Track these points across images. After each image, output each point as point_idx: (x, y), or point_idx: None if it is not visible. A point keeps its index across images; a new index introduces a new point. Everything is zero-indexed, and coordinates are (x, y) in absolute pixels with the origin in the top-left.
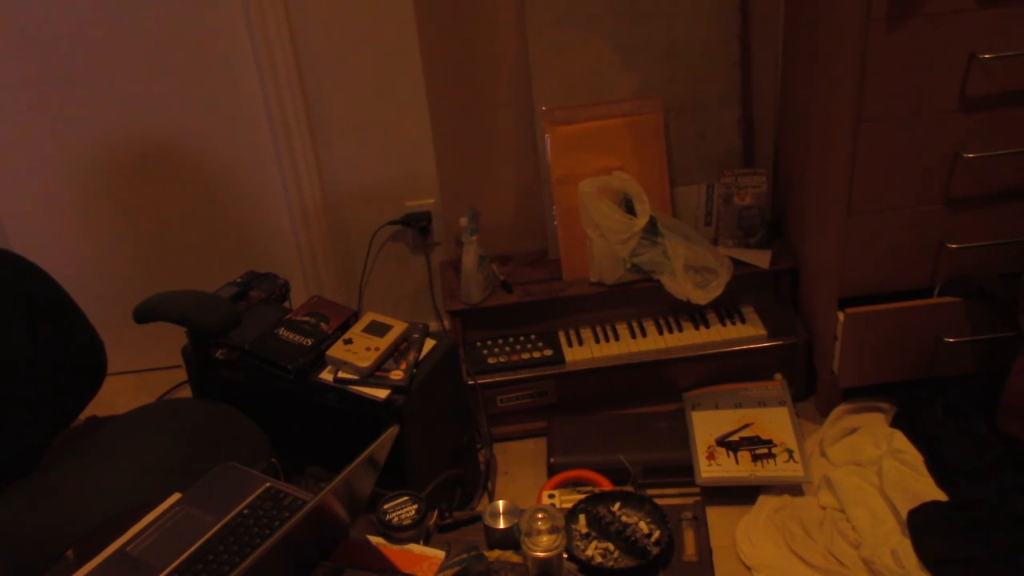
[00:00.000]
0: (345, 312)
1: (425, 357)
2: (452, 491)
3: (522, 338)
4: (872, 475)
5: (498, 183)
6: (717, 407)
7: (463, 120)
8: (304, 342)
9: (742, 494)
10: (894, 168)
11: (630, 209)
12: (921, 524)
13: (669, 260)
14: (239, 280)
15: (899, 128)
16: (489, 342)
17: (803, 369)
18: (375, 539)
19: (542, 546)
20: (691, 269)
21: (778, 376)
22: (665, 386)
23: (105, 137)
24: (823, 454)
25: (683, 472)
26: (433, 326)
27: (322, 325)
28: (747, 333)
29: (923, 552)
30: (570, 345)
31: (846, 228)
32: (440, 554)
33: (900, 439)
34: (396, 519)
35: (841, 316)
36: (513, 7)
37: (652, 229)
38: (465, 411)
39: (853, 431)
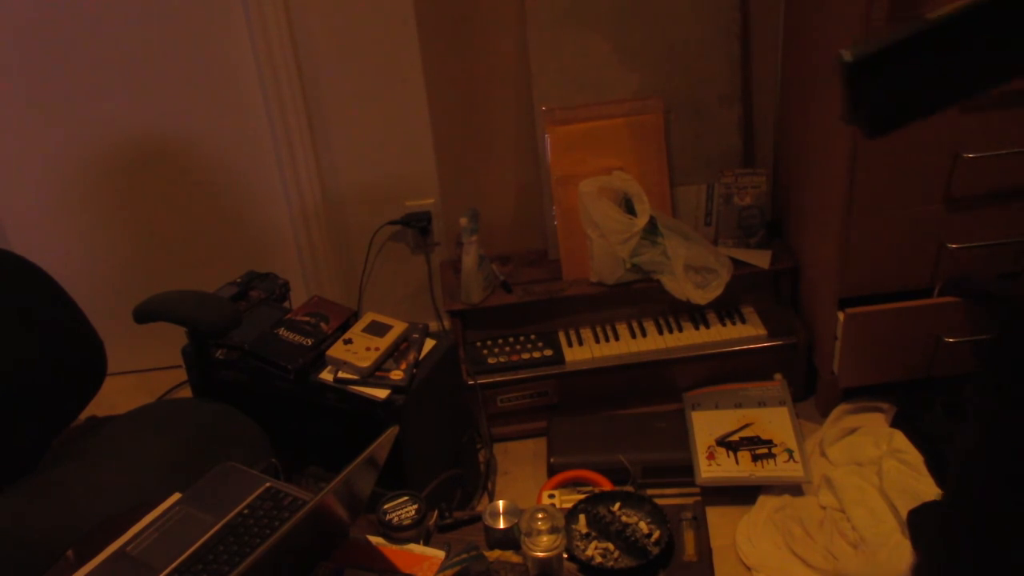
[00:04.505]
0: (345, 312)
1: (425, 357)
2: (452, 491)
3: (522, 338)
4: (872, 475)
5: (498, 183)
6: (717, 407)
7: (463, 120)
8: (304, 342)
9: (742, 494)
10: (894, 168)
11: (630, 209)
12: (921, 524)
13: (669, 260)
14: (239, 280)
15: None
16: (489, 342)
17: (803, 369)
18: (375, 539)
19: (542, 546)
20: (691, 269)
21: (778, 376)
22: (665, 386)
23: (105, 137)
24: (823, 454)
25: (683, 472)
26: (433, 326)
27: (322, 325)
28: (747, 333)
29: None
30: (570, 345)
31: (846, 228)
32: (440, 554)
33: (900, 439)
34: (396, 519)
35: (841, 316)
36: (513, 7)
37: (652, 229)
38: (465, 411)
39: (853, 431)
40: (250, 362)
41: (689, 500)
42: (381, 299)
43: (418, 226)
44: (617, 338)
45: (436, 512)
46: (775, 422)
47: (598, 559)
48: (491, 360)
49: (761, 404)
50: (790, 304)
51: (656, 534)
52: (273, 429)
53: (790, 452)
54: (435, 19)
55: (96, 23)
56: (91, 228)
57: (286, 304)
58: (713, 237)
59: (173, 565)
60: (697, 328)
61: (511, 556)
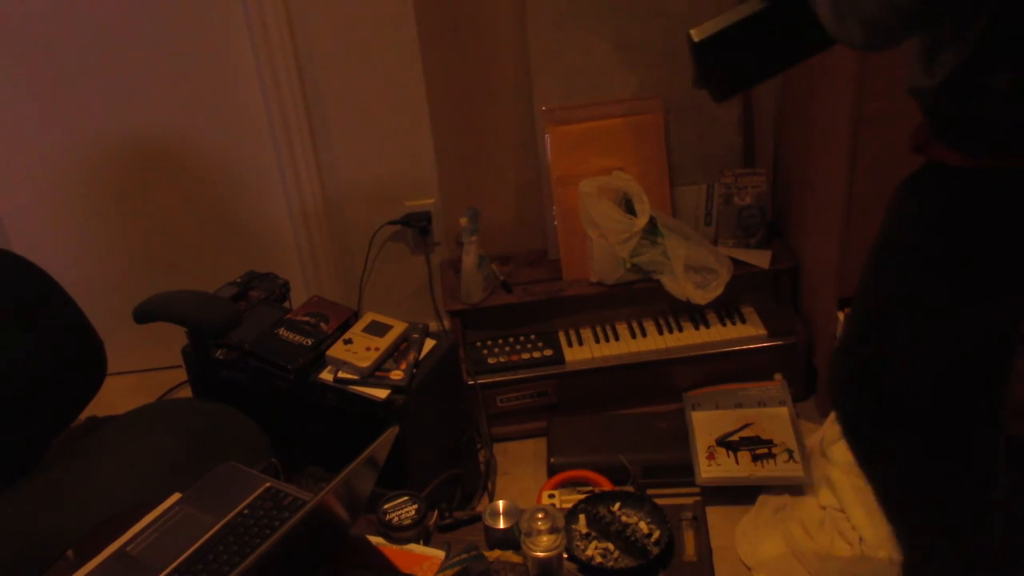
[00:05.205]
0: (345, 312)
1: (425, 357)
2: (452, 491)
3: (522, 338)
4: None
5: (498, 183)
6: (717, 407)
7: (463, 120)
8: (304, 342)
9: (742, 494)
10: (894, 168)
11: (630, 209)
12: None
13: (669, 260)
14: (239, 280)
15: (899, 128)
16: (489, 342)
17: (803, 369)
18: (375, 539)
19: (542, 546)
20: (691, 269)
21: (778, 376)
22: (665, 386)
23: (105, 137)
24: (823, 454)
25: (683, 472)
26: (433, 326)
27: (322, 325)
28: (747, 333)
29: None
30: (570, 345)
31: (846, 228)
32: (440, 554)
33: None
34: (396, 519)
35: (841, 316)
36: (513, 7)
37: (652, 229)
38: (465, 411)
39: None
40: (250, 362)
41: (689, 500)
42: (381, 299)
43: (418, 226)
44: (617, 338)
45: (436, 512)
46: (775, 422)
47: (598, 559)
48: (491, 360)
49: (761, 404)
50: (790, 304)
51: (656, 534)
52: (273, 429)
53: (790, 452)
54: (435, 19)
55: (96, 23)
56: (91, 228)
57: (286, 304)
58: (713, 237)
59: (173, 565)
60: (697, 328)
61: (511, 556)
